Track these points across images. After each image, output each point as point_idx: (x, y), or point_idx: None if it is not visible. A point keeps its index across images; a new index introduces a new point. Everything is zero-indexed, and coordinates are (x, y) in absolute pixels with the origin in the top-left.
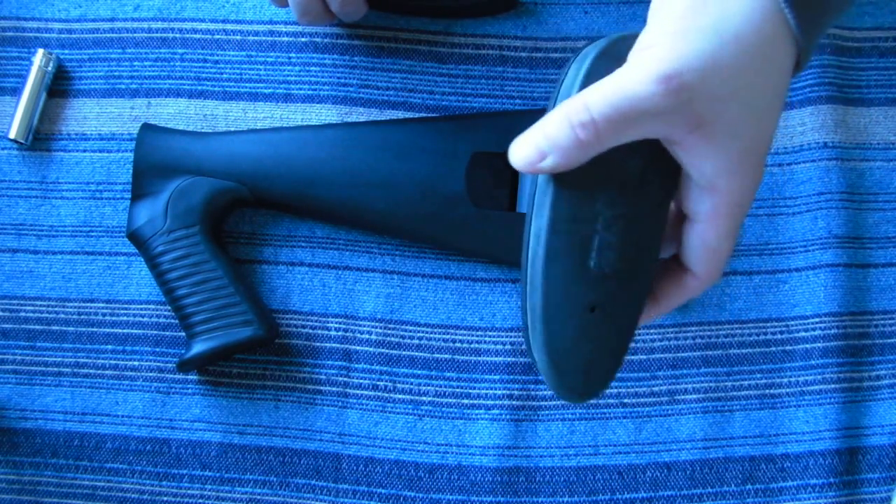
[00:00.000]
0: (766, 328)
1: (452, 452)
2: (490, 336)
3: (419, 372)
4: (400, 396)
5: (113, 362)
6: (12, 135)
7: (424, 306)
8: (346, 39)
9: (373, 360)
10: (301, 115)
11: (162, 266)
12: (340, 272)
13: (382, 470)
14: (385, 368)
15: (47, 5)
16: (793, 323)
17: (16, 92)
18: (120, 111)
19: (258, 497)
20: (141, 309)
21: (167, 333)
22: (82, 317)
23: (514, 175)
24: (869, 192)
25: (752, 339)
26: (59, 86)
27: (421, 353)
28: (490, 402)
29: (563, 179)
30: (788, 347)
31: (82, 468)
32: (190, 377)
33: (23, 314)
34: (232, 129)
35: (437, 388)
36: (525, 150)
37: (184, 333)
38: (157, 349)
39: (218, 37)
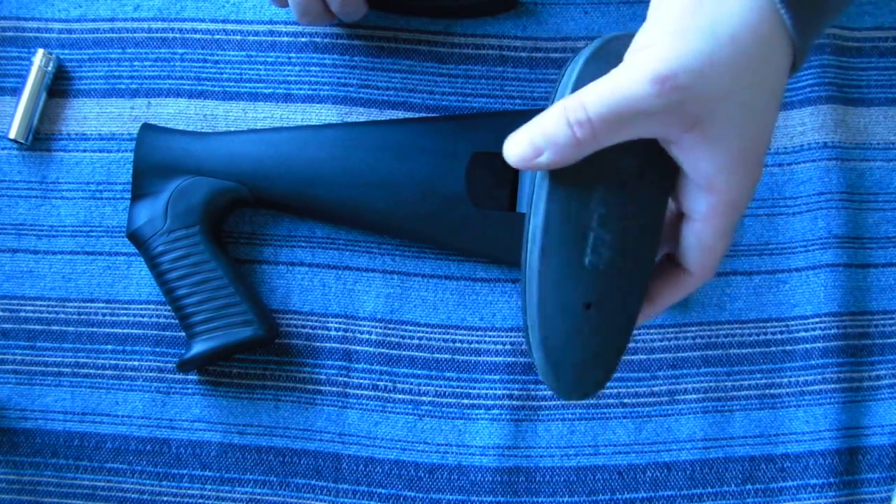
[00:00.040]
0: (766, 328)
1: (452, 452)
2: (490, 336)
3: (419, 372)
4: (400, 396)
5: (113, 362)
6: (12, 135)
7: (424, 306)
8: (346, 39)
9: (373, 360)
10: (301, 115)
11: (162, 266)
12: (340, 272)
13: (382, 470)
14: (385, 368)
15: (47, 5)
16: (793, 323)
17: (16, 92)
18: (120, 111)
19: (258, 497)
20: (141, 309)
21: (167, 333)
22: (82, 317)
23: (514, 175)
24: (869, 192)
25: (752, 339)
26: (59, 86)
27: (421, 353)
28: (490, 402)
29: (557, 177)
30: (788, 347)
31: (82, 468)
32: (190, 377)
33: (23, 314)
34: (232, 129)
35: (437, 388)
36: (521, 147)
37: (184, 333)
38: (157, 349)
39: (218, 37)
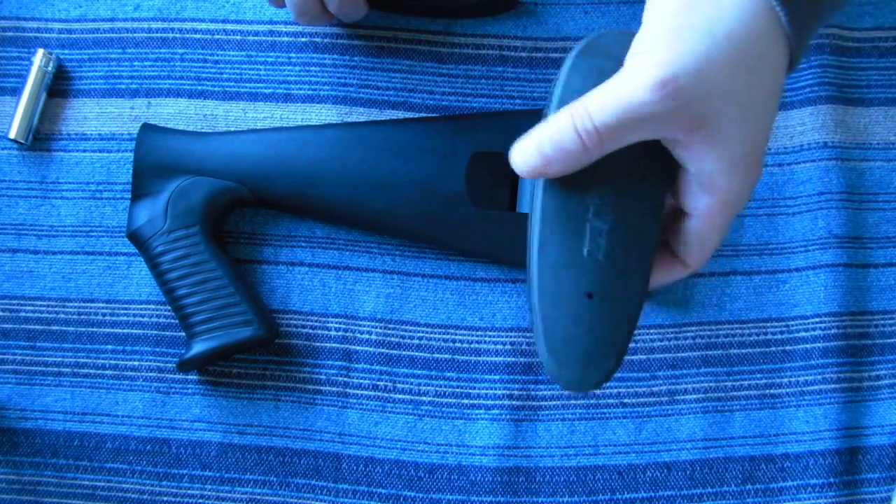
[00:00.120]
0: (766, 328)
1: (452, 452)
2: (490, 336)
3: (419, 372)
4: (400, 396)
5: (113, 362)
6: (12, 135)
7: (424, 306)
8: (346, 39)
9: (373, 360)
10: (301, 115)
11: (162, 266)
12: (340, 272)
13: (382, 470)
14: (385, 368)
15: (47, 5)
16: (793, 323)
17: (16, 92)
18: (120, 111)
19: (258, 497)
20: (141, 309)
21: (167, 333)
22: (82, 317)
23: (514, 175)
24: (869, 192)
25: (752, 339)
26: (59, 86)
27: (421, 353)
28: (490, 402)
29: None
30: (788, 347)
31: (82, 468)
32: (190, 377)
33: (23, 314)
34: (232, 129)
35: (437, 388)
36: (529, 157)
37: (184, 333)
38: (157, 349)
39: (218, 37)
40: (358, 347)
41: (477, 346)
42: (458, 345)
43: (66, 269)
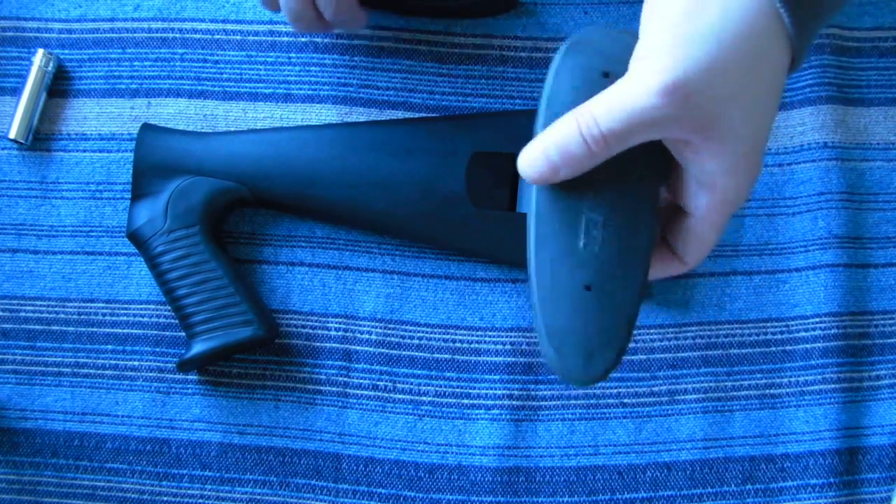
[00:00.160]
0: (766, 328)
1: (452, 452)
2: (490, 336)
3: (419, 372)
4: (400, 396)
5: (113, 362)
6: (12, 135)
7: (424, 306)
8: (346, 39)
9: (373, 360)
10: (301, 115)
11: (162, 266)
12: (340, 272)
13: (382, 470)
14: (385, 368)
15: (47, 5)
16: (793, 323)
17: (16, 92)
18: (120, 111)
19: (258, 497)
20: (141, 309)
21: (167, 333)
22: (82, 317)
23: (514, 175)
24: (869, 192)
25: (752, 339)
26: (59, 86)
27: (421, 353)
28: (490, 402)
29: None
30: (788, 347)
31: (82, 468)
32: (190, 377)
33: (23, 314)
34: (232, 129)
35: (437, 388)
36: (536, 163)
37: (184, 333)
38: (157, 349)
39: (218, 37)
40: (358, 347)
41: (477, 346)
42: (458, 345)
43: (66, 269)
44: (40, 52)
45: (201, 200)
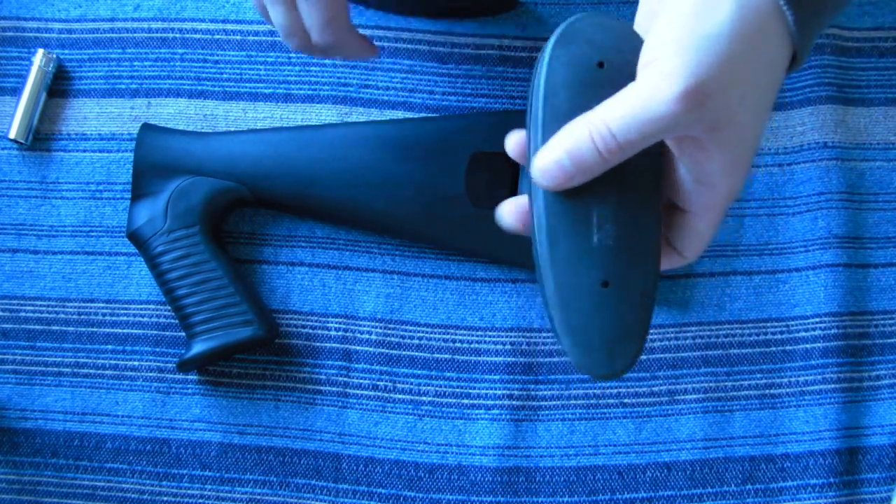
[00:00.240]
0: (766, 328)
1: (452, 452)
2: (490, 336)
3: (419, 372)
4: (400, 396)
5: (113, 362)
6: (12, 135)
7: (424, 306)
8: None
9: (373, 360)
10: (301, 115)
11: (162, 266)
12: (340, 272)
13: (382, 470)
14: (385, 368)
15: (47, 5)
16: (793, 323)
17: (16, 92)
18: (120, 111)
19: (258, 497)
20: (141, 309)
21: (167, 333)
22: (82, 317)
23: (513, 175)
24: (869, 192)
25: (752, 339)
26: (59, 86)
27: (421, 353)
28: (490, 402)
29: None
30: (788, 347)
31: (82, 468)
32: (190, 377)
33: (23, 314)
34: (232, 129)
35: (437, 388)
36: (551, 172)
37: (184, 333)
38: (157, 349)
39: (218, 37)
40: (358, 347)
41: (477, 346)
42: (458, 345)
43: (66, 269)
44: (40, 52)
45: (201, 200)
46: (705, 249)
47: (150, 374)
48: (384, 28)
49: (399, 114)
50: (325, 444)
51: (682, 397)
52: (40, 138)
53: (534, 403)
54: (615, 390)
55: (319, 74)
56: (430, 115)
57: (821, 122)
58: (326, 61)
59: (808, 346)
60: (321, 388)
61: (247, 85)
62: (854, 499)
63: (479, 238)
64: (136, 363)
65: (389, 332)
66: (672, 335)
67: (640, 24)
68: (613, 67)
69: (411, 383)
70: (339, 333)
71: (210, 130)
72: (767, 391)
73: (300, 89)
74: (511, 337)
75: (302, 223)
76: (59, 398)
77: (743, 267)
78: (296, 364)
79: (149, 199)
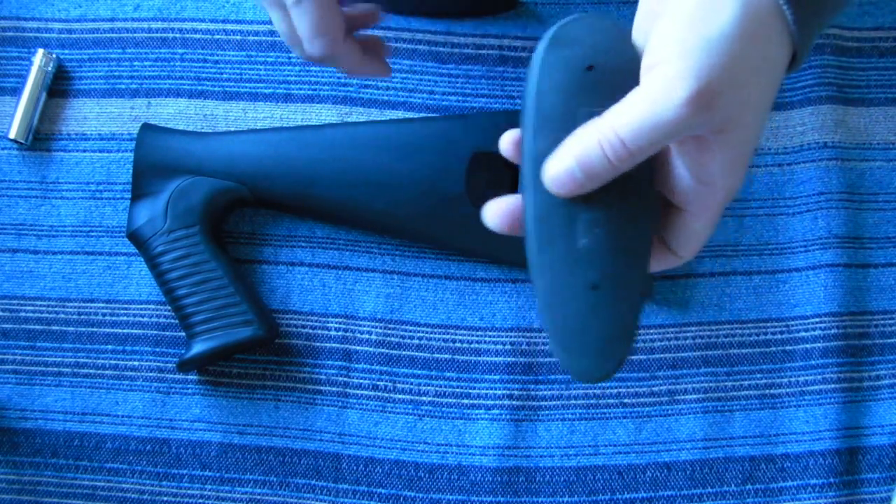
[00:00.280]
0: (766, 328)
1: (452, 452)
2: (490, 336)
3: (419, 372)
4: (400, 396)
5: (113, 362)
6: (12, 135)
7: (424, 306)
8: None
9: (373, 360)
10: (301, 115)
11: (162, 266)
12: (340, 272)
13: (382, 470)
14: (385, 368)
15: (47, 5)
16: (793, 323)
17: (16, 92)
18: (120, 111)
19: (258, 497)
20: (141, 309)
21: (167, 333)
22: (82, 317)
23: (514, 175)
24: (869, 192)
25: (752, 339)
26: (59, 86)
27: (421, 353)
28: (490, 402)
29: (539, 169)
30: (788, 347)
31: (82, 468)
32: (190, 377)
33: (23, 314)
34: (232, 129)
35: (437, 388)
36: (562, 181)
37: (184, 333)
38: (157, 349)
39: (218, 37)
40: (358, 347)
41: (477, 346)
42: (458, 345)
43: (66, 269)
44: (40, 52)
45: (201, 200)
46: (701, 249)
47: (150, 374)
48: (384, 28)
49: (399, 114)
50: (325, 444)
51: (682, 397)
52: (40, 138)
53: (534, 403)
54: (615, 390)
55: (319, 74)
56: (430, 115)
57: (821, 122)
58: None
59: (808, 346)
60: (321, 388)
61: (247, 85)
62: (854, 499)
63: (479, 238)
64: (136, 363)
65: (389, 332)
66: (672, 335)
67: (639, 25)
68: (604, 70)
69: (411, 383)
70: (339, 333)
71: (210, 130)
72: (767, 391)
73: (300, 89)
74: (511, 337)
75: (302, 223)
76: (59, 398)
77: (743, 267)
78: (296, 364)
79: (149, 199)
